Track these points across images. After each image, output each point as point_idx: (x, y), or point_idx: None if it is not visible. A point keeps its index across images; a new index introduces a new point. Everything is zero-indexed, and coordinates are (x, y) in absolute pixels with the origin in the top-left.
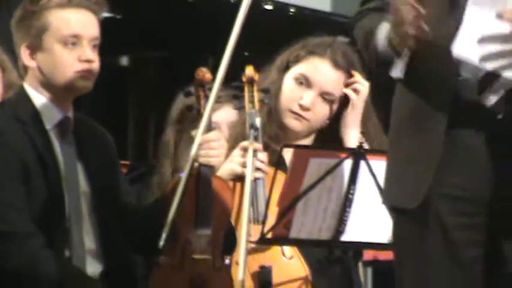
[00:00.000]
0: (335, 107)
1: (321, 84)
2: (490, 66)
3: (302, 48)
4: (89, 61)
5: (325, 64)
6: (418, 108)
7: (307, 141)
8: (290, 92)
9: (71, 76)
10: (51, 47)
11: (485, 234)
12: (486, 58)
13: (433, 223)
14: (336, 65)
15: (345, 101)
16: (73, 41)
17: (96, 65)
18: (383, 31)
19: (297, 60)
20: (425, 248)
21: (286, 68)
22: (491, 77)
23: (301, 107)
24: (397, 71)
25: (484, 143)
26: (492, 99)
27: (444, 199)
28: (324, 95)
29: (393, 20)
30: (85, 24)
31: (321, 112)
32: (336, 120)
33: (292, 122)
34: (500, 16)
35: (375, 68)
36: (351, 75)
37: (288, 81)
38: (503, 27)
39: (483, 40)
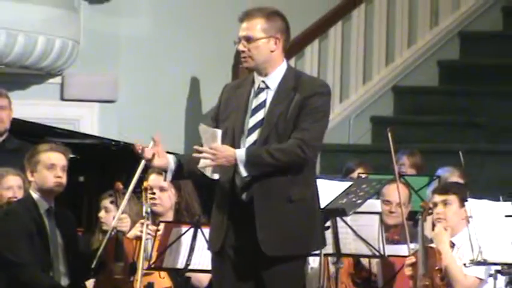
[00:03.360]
0: (172, 192)
1: (153, 183)
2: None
3: None
4: (59, 177)
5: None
6: (218, 202)
7: (171, 212)
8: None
9: (51, 185)
10: (41, 170)
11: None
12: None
13: (227, 259)
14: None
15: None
16: (51, 167)
17: (63, 180)
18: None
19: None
20: (224, 271)
21: None
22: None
23: (154, 198)
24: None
25: (247, 218)
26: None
27: (231, 247)
28: (161, 189)
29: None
30: (57, 158)
31: (164, 197)
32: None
33: (154, 207)
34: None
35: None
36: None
37: None
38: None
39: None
